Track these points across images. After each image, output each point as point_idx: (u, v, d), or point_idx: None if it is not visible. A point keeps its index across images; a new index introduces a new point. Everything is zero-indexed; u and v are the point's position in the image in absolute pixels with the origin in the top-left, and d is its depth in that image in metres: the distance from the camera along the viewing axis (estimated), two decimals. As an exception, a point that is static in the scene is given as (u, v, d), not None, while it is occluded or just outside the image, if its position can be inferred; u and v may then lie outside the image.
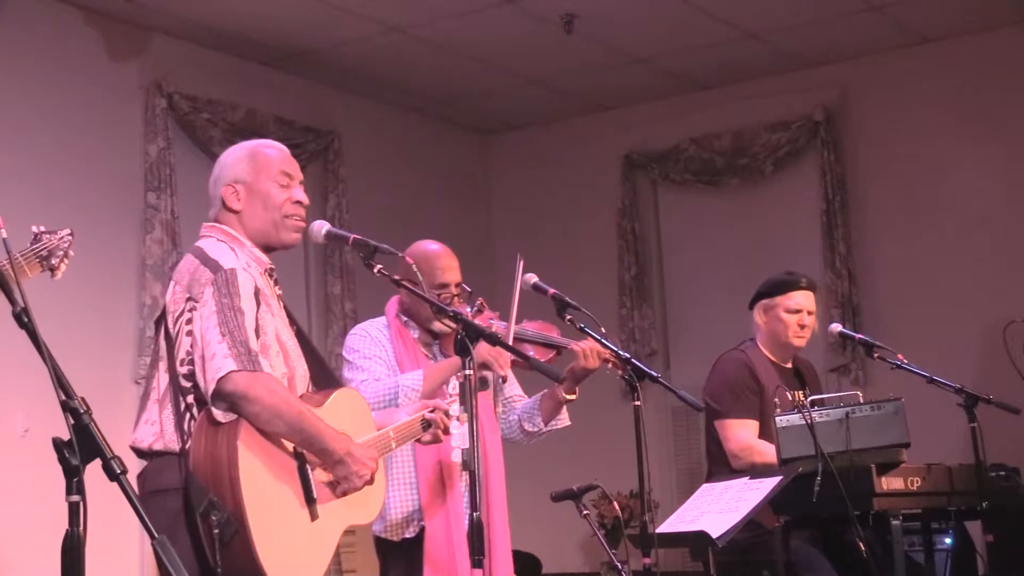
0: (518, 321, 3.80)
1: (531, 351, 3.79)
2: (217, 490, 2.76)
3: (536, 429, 3.98)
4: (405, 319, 3.89)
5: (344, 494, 3.01)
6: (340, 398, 3.14)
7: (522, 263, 3.81)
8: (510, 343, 3.61)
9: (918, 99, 7.50)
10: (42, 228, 2.92)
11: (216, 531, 2.71)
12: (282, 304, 3.17)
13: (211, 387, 2.81)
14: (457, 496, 3.69)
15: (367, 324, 3.94)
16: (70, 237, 2.91)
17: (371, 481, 3.03)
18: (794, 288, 4.76)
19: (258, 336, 2.92)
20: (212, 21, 6.74)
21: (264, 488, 2.83)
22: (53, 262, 2.90)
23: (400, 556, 3.74)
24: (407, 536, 3.72)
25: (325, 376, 3.30)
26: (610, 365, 3.83)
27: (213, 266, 2.92)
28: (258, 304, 2.94)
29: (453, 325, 3.13)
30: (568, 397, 3.90)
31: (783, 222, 7.83)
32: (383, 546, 3.81)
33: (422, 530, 3.69)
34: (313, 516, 2.94)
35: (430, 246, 3.87)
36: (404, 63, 7.47)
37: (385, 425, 3.27)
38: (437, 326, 3.78)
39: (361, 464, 2.98)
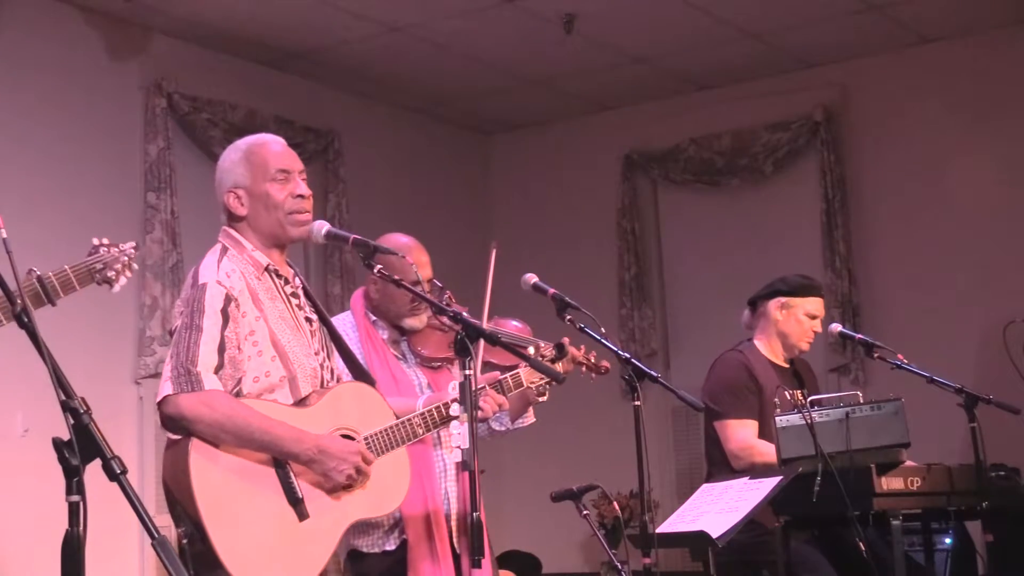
0: (489, 318, 3.76)
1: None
2: (181, 503, 2.85)
3: (504, 428, 3.90)
4: (374, 319, 3.80)
5: (336, 491, 3.01)
6: (340, 393, 3.13)
7: (495, 251, 3.78)
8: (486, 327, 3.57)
9: (918, 99, 7.50)
10: (104, 240, 2.92)
11: (184, 541, 2.80)
12: (300, 301, 3.18)
13: (157, 411, 2.92)
14: (438, 504, 3.62)
15: (333, 322, 3.78)
16: (133, 250, 2.91)
17: (363, 474, 3.02)
18: (815, 294, 4.86)
19: (223, 350, 2.94)
20: (212, 21, 6.74)
21: (228, 495, 2.86)
22: (109, 275, 2.90)
23: (380, 569, 3.61)
24: (388, 548, 3.61)
25: (356, 369, 3.30)
26: (584, 368, 3.81)
27: (194, 282, 3.01)
28: (227, 318, 2.96)
29: (454, 325, 3.12)
30: (539, 399, 3.81)
31: (783, 222, 7.83)
32: (361, 560, 3.64)
33: (404, 542, 3.58)
34: (301, 516, 2.94)
35: (400, 239, 3.79)
36: (404, 63, 7.47)
37: (407, 412, 3.27)
38: (408, 323, 3.74)
39: (338, 459, 2.97)
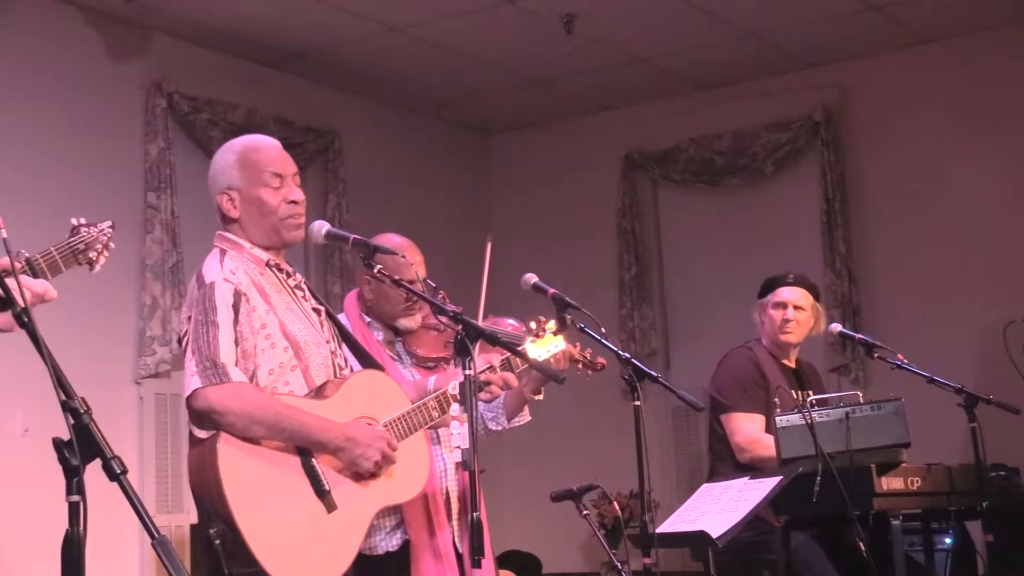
0: (484, 317, 3.75)
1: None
2: (210, 502, 2.83)
3: (500, 428, 3.90)
4: (368, 320, 3.78)
5: (361, 479, 3.02)
6: (358, 382, 3.14)
7: (490, 246, 3.78)
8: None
9: (918, 99, 7.50)
10: (82, 221, 2.93)
11: (218, 542, 2.78)
12: (305, 293, 3.20)
13: (185, 406, 2.92)
14: (439, 504, 3.60)
15: None
16: (111, 229, 2.91)
17: (389, 460, 3.03)
18: (780, 284, 4.87)
19: (238, 344, 2.96)
20: (212, 21, 6.74)
21: (258, 492, 2.86)
22: (91, 255, 2.90)
23: (383, 571, 3.55)
24: (390, 550, 3.56)
25: (364, 359, 3.32)
26: (580, 366, 3.81)
27: (200, 283, 3.02)
28: (238, 312, 2.98)
29: (453, 325, 3.12)
30: (535, 397, 3.80)
31: (783, 222, 7.83)
32: (363, 562, 3.50)
33: (405, 543, 3.54)
34: (330, 508, 2.95)
35: (394, 239, 3.77)
36: (404, 63, 7.47)
37: (422, 395, 3.28)
38: (403, 323, 3.74)
39: (364, 446, 2.99)
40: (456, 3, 6.68)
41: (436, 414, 3.24)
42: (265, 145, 3.19)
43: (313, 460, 2.96)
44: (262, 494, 2.87)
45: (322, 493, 2.95)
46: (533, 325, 3.60)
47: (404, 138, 8.26)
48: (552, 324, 3.63)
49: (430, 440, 3.64)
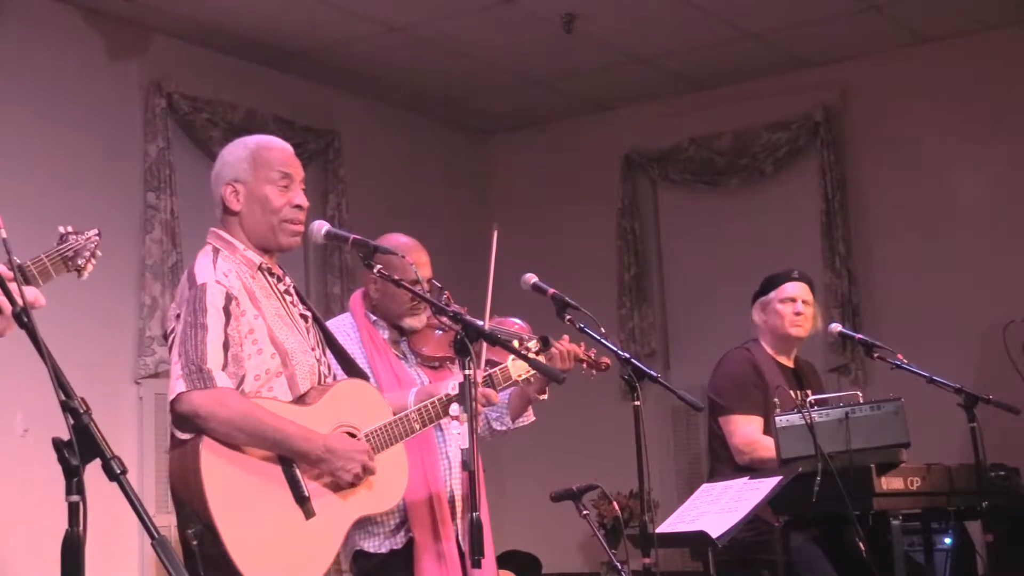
0: (490, 317, 3.74)
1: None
2: (190, 504, 2.84)
3: (505, 428, 3.91)
4: (374, 319, 3.80)
5: (339, 488, 3.02)
6: (341, 391, 3.14)
7: (495, 235, 3.77)
8: (487, 325, 3.56)
9: (918, 99, 7.50)
10: (69, 228, 2.94)
11: (195, 543, 2.78)
12: (293, 298, 3.19)
13: (168, 409, 2.91)
14: (443, 502, 3.61)
15: (333, 323, 3.74)
16: (97, 237, 2.93)
17: (368, 471, 3.03)
18: (786, 280, 4.88)
19: (228, 348, 2.95)
20: (212, 21, 6.74)
21: (238, 495, 2.86)
22: (79, 263, 2.92)
23: (387, 570, 3.59)
24: (394, 548, 3.59)
25: (350, 368, 3.32)
26: (584, 366, 3.81)
27: (191, 283, 3.00)
28: (228, 316, 2.96)
29: (453, 325, 3.12)
30: (540, 397, 3.81)
31: (783, 222, 7.82)
32: (367, 560, 3.61)
33: (410, 541, 3.57)
34: (308, 514, 2.96)
35: (400, 239, 3.78)
36: (404, 63, 7.47)
37: (399, 406, 3.28)
38: (408, 323, 3.74)
39: (344, 459, 2.99)
40: (456, 3, 6.68)
41: (418, 427, 3.24)
42: (279, 146, 3.20)
43: (295, 467, 2.97)
44: (243, 499, 2.87)
45: (302, 500, 2.96)
46: (516, 344, 3.59)
47: (404, 138, 8.26)
48: (534, 344, 3.64)
49: (434, 439, 3.65)
